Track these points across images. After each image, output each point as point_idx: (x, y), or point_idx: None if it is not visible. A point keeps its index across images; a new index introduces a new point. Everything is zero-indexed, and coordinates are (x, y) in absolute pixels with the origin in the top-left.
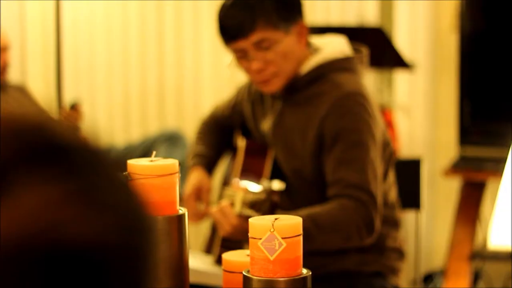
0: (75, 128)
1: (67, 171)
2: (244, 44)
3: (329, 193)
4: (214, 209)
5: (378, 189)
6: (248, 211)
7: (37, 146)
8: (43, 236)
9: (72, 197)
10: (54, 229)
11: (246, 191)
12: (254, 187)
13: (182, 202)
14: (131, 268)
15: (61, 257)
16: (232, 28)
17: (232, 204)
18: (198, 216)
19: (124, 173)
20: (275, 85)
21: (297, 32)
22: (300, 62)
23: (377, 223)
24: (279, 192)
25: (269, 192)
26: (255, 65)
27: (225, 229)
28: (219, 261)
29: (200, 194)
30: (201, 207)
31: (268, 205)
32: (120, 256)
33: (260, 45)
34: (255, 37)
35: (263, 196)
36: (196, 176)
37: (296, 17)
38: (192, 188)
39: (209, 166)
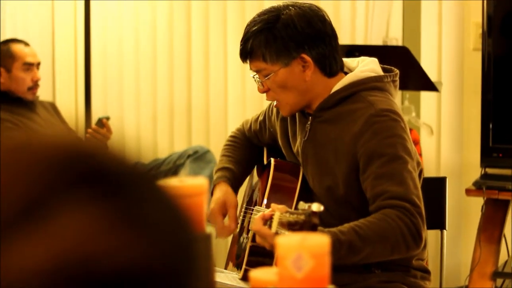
0: (103, 147)
1: (110, 196)
2: (250, 67)
3: (371, 208)
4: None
5: (420, 199)
6: (285, 231)
7: (80, 171)
8: (85, 265)
9: (116, 224)
10: (96, 258)
11: (283, 211)
12: (292, 208)
13: (208, 218)
14: None
15: (105, 286)
16: (240, 51)
17: (265, 222)
18: (226, 232)
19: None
20: (283, 111)
21: (300, 65)
22: (310, 92)
23: (423, 231)
24: (319, 214)
25: (309, 214)
26: (258, 87)
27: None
28: (244, 278)
29: (225, 210)
30: (229, 223)
31: (308, 226)
32: (165, 281)
33: (260, 72)
34: (252, 66)
35: (302, 217)
36: (220, 191)
37: (294, 53)
38: (217, 203)
39: (235, 183)
